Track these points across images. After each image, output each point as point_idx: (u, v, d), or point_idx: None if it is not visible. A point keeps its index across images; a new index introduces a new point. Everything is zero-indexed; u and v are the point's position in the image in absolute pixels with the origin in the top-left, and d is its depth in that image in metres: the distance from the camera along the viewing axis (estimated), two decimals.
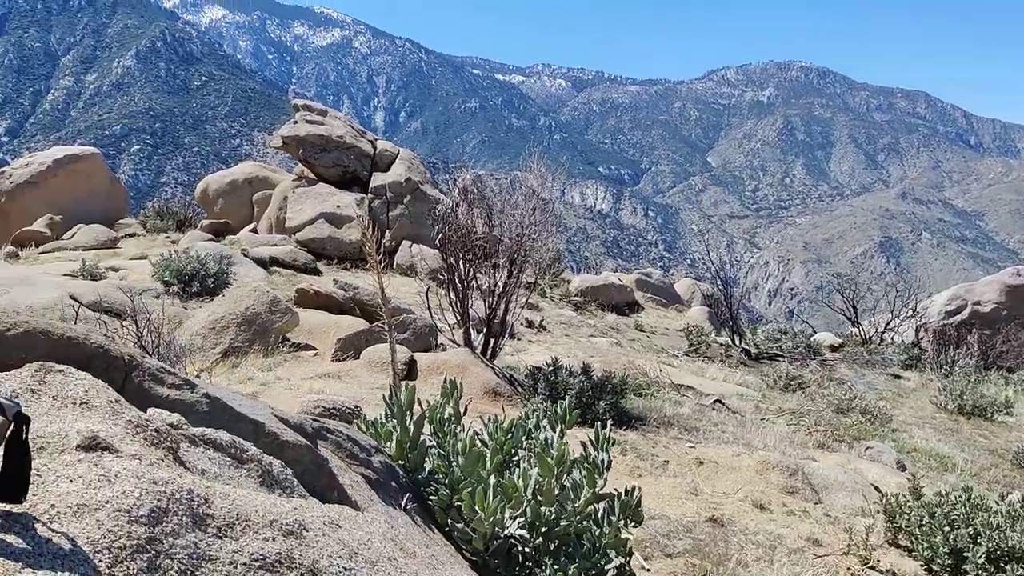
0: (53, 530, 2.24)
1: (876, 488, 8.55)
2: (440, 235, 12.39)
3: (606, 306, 24.47)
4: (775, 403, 13.73)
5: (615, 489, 4.48)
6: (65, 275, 16.03)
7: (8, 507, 2.29)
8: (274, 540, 2.60)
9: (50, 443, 2.53)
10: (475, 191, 12.95)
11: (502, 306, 12.28)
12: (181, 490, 2.53)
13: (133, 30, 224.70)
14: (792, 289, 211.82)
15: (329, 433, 4.11)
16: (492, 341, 12.36)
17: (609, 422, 4.95)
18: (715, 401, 12.66)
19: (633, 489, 4.45)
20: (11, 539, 2.18)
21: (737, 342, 20.87)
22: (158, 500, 2.44)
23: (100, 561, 2.21)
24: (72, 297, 13.12)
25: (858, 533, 6.81)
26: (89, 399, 2.84)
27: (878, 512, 7.43)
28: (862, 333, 23.91)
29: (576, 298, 24.61)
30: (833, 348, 22.63)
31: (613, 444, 4.59)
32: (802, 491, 8.27)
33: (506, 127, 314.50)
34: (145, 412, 3.02)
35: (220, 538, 2.50)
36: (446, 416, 4.84)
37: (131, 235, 24.59)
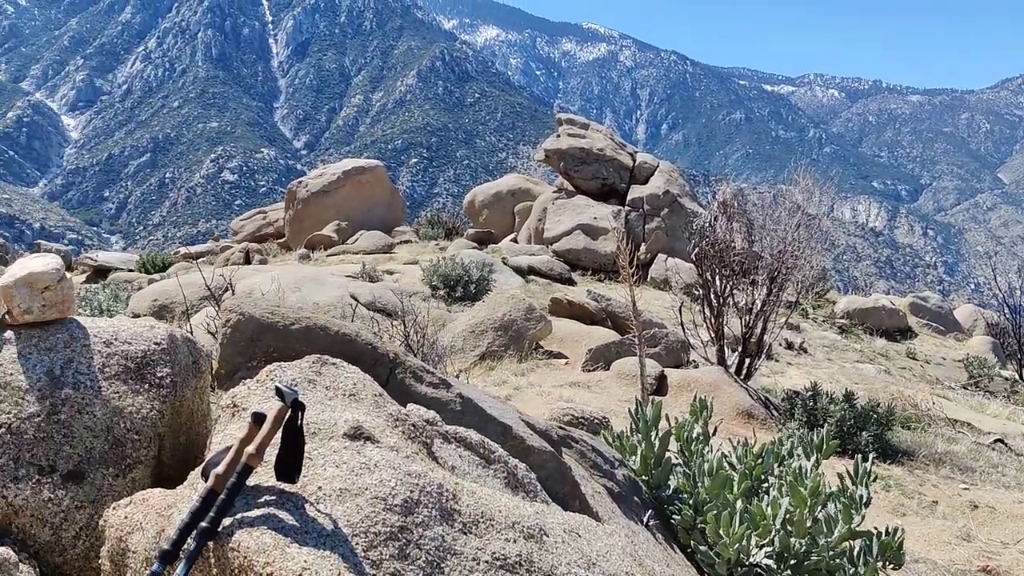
0: (319, 510, 2.44)
1: None
2: (696, 249, 12.18)
3: (875, 330, 22.86)
4: None
5: (874, 527, 4.16)
6: (347, 276, 17.47)
7: (283, 486, 2.52)
8: (515, 542, 2.67)
9: (321, 429, 2.77)
10: (735, 204, 12.60)
11: (759, 325, 11.84)
12: (432, 484, 2.66)
13: (416, 51, 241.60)
14: None
15: (574, 442, 4.16)
16: (747, 361, 11.95)
17: (871, 455, 4.61)
18: (996, 440, 11.42)
19: (895, 529, 4.11)
20: (283, 515, 2.41)
21: None
22: (411, 491, 2.58)
23: (357, 544, 2.38)
24: (352, 296, 14.28)
25: None
26: (357, 391, 3.08)
27: None
28: None
29: (841, 320, 23.22)
30: None
31: (874, 479, 4.27)
32: None
33: (772, 139, 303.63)
34: (404, 407, 3.22)
35: (465, 534, 2.60)
36: (694, 435, 4.74)
37: (405, 241, 26.38)
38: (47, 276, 3.27)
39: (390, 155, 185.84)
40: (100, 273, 24.37)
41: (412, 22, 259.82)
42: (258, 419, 2.52)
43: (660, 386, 10.68)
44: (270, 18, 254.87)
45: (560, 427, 4.24)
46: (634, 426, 4.67)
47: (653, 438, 4.49)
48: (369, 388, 3.10)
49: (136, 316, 9.99)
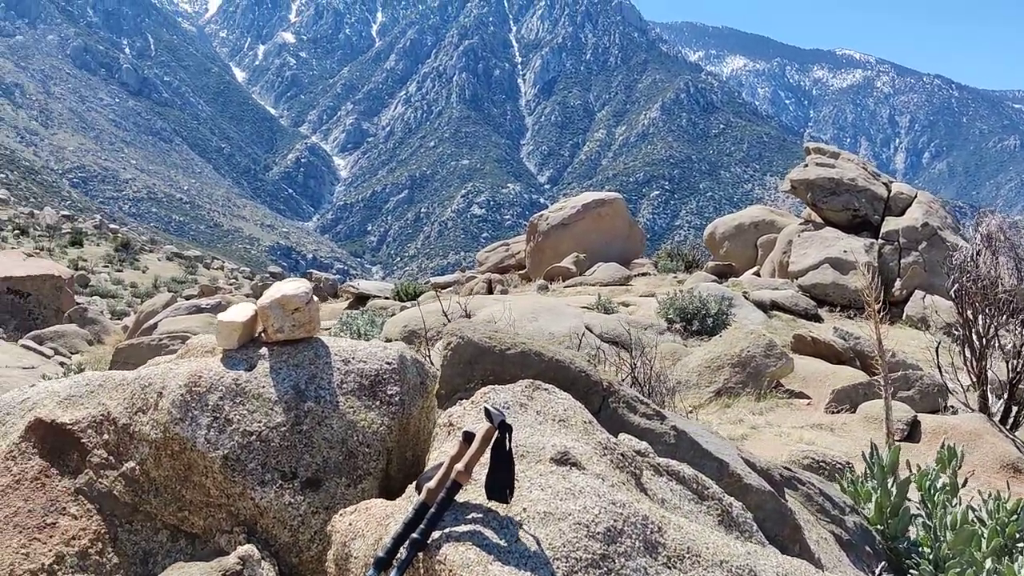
0: (522, 531, 2.50)
1: None
2: (956, 285, 11.20)
3: None
4: None
5: None
6: (583, 307, 17.69)
7: (490, 504, 2.60)
8: None
9: (529, 452, 2.83)
10: (1002, 238, 11.47)
11: None
12: (637, 515, 2.63)
13: (660, 84, 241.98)
14: None
15: (800, 484, 3.95)
16: (1015, 409, 10.78)
17: None
18: None
19: None
20: (488, 533, 2.48)
21: None
22: (614, 520, 2.57)
23: (558, 568, 2.40)
24: (586, 327, 14.43)
25: None
26: (566, 417, 3.12)
27: None
28: None
29: None
30: None
31: None
32: None
33: None
34: (615, 436, 3.22)
35: (668, 568, 2.55)
36: (939, 485, 4.35)
37: (643, 274, 26.30)
38: (297, 298, 3.60)
39: (631, 188, 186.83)
40: (360, 300, 26.32)
41: (657, 56, 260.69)
42: (468, 438, 2.63)
43: (912, 432, 9.88)
44: (519, 59, 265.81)
45: (785, 468, 4.05)
46: (869, 471, 4.36)
47: (890, 485, 4.17)
48: (579, 415, 3.13)
49: (388, 340, 10.69)
